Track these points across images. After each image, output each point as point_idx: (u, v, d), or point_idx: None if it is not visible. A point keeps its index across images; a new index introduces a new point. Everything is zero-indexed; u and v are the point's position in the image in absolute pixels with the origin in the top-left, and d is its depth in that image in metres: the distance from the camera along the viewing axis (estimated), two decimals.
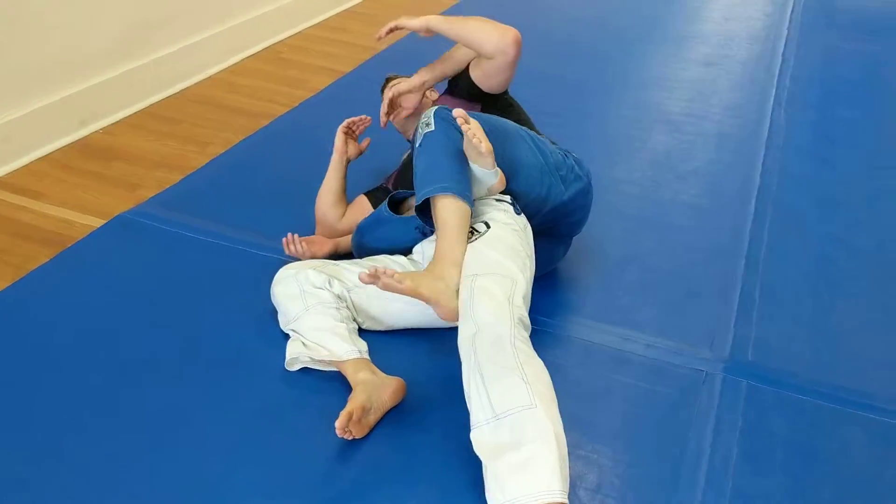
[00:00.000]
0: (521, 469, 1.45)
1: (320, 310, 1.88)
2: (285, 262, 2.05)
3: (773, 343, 2.06)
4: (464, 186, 1.80)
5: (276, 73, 3.55)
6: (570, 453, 1.51)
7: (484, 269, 1.73)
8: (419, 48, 3.18)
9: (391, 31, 2.21)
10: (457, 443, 1.65)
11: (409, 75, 2.46)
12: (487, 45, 2.10)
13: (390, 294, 1.91)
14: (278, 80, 3.47)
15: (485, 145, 1.75)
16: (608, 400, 1.86)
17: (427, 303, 1.72)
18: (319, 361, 1.84)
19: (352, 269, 1.97)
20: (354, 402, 1.66)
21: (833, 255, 2.45)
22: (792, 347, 2.06)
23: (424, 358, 1.94)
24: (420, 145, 1.86)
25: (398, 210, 2.05)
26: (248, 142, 2.87)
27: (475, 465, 1.54)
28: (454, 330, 1.89)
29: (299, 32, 4.03)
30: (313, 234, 2.30)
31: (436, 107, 1.90)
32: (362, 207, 2.28)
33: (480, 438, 1.53)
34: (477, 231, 1.84)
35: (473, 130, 1.74)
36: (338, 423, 1.62)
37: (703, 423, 1.79)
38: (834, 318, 2.18)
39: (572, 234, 2.18)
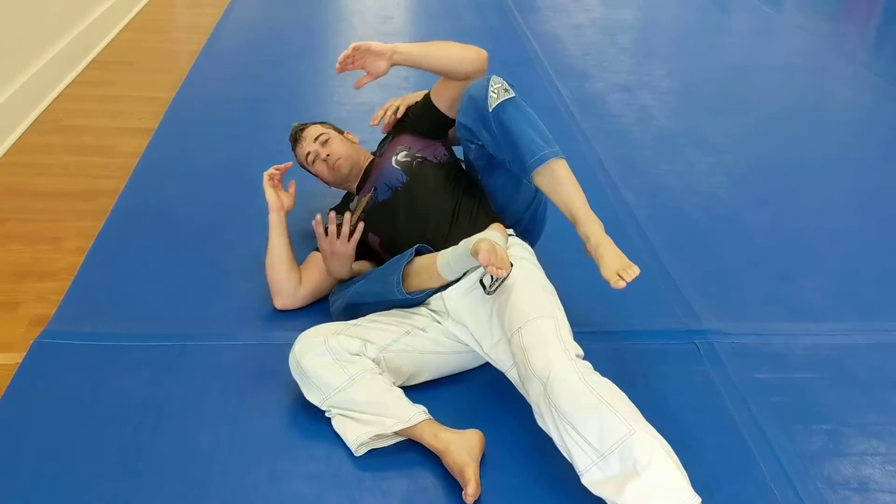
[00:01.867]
0: (651, 495, 1.47)
1: (368, 377, 1.77)
2: (242, 347, 1.91)
3: (724, 298, 2.34)
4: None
5: (71, 143, 3.17)
6: None
7: (524, 319, 1.73)
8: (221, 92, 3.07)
9: (352, 58, 1.96)
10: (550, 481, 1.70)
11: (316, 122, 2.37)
12: (467, 65, 2.05)
13: (429, 347, 1.88)
14: (81, 151, 3.10)
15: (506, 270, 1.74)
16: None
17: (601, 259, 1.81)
18: (382, 437, 1.75)
19: (378, 328, 1.87)
20: (469, 466, 1.63)
21: (692, 213, 2.80)
22: (738, 295, 2.36)
23: (465, 403, 1.93)
24: (510, 108, 1.90)
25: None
26: (111, 226, 2.55)
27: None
28: (481, 368, 1.92)
29: (60, 95, 3.60)
30: (264, 303, 2.18)
31: (492, 77, 1.95)
32: (319, 267, 2.16)
33: (594, 480, 1.54)
34: None
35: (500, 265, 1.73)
36: (471, 492, 1.58)
37: (728, 387, 2.00)
38: (739, 261, 2.52)
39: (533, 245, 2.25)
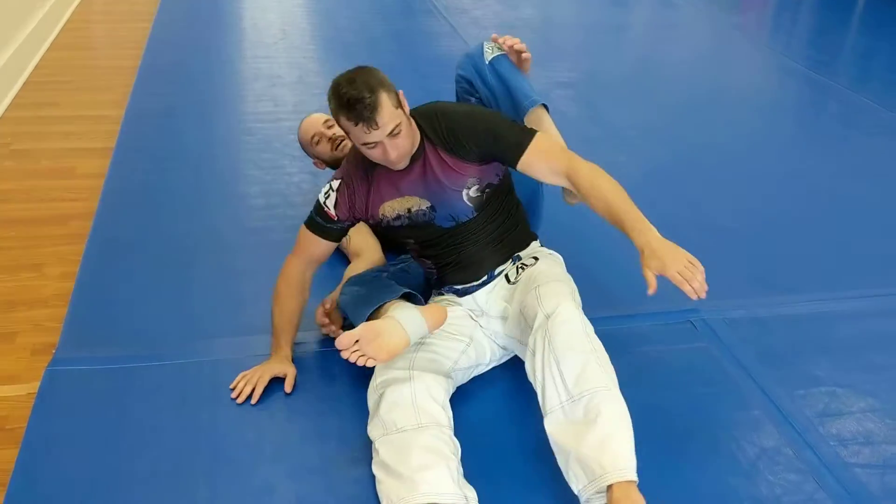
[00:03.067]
0: (600, 447, 1.52)
1: (436, 433, 1.65)
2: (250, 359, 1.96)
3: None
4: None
5: (28, 167, 3.07)
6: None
7: (544, 280, 1.84)
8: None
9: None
10: None
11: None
12: None
13: (481, 359, 1.98)
14: (41, 175, 3.01)
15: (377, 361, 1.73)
16: (636, 374, 2.04)
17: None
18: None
19: (445, 344, 1.89)
20: None
21: (659, 202, 2.94)
22: (714, 274, 2.48)
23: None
24: (504, 62, 2.10)
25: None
26: (94, 249, 2.49)
27: None
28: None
29: (2, 119, 3.48)
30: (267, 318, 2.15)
31: (485, 40, 2.15)
32: (311, 243, 2.00)
33: (555, 423, 1.60)
34: (527, 266, 1.96)
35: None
36: None
37: (730, 359, 2.13)
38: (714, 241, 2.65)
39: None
